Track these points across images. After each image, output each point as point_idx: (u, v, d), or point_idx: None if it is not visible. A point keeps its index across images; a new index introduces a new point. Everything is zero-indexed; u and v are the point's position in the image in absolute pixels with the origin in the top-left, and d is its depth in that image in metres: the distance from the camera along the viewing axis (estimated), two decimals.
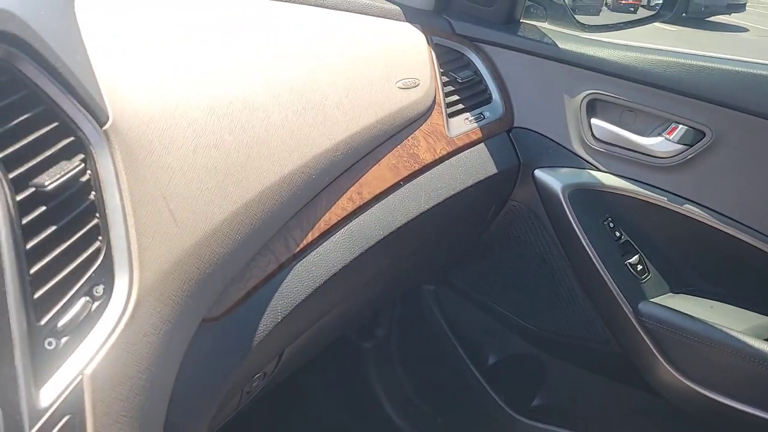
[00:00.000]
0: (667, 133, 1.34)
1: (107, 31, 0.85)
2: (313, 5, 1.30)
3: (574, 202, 1.42)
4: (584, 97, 1.42)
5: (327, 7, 1.32)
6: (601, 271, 1.43)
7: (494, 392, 1.92)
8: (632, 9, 1.55)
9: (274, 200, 0.92)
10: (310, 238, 1.00)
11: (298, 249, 0.97)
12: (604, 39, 1.48)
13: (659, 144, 1.35)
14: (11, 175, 0.60)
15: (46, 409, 0.57)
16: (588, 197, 1.43)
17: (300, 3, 1.28)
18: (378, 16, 1.43)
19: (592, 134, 1.43)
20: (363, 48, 1.27)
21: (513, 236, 1.62)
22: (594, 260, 1.42)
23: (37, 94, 0.66)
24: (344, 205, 1.08)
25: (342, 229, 1.06)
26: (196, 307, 0.77)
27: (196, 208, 0.78)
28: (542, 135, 1.49)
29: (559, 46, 1.45)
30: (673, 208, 1.36)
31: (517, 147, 1.50)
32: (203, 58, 0.95)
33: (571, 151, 1.46)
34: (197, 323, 0.78)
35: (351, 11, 1.38)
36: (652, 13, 1.83)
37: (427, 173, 1.26)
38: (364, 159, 1.14)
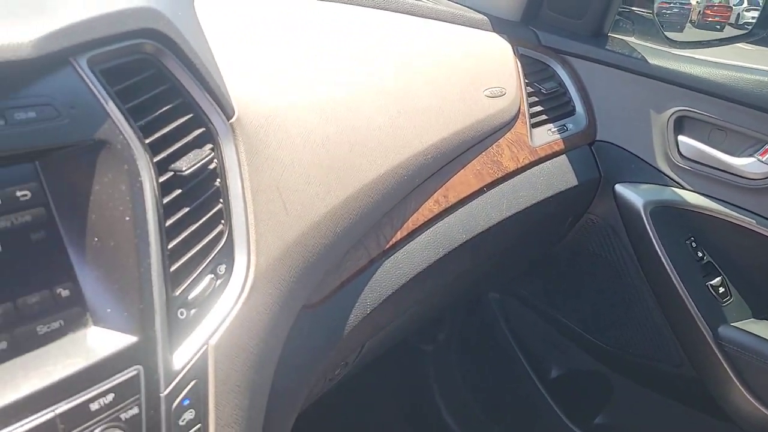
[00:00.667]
0: (760, 154, 1.31)
1: (219, 33, 0.91)
2: (406, 14, 1.35)
3: (655, 219, 1.41)
4: (672, 114, 1.40)
5: (419, 16, 1.36)
6: (681, 291, 1.40)
7: (556, 405, 1.91)
8: (718, 27, 1.51)
9: (370, 198, 0.96)
10: (399, 236, 1.04)
11: (388, 245, 1.01)
12: (694, 55, 1.46)
13: (750, 165, 1.32)
14: (155, 159, 0.66)
15: (178, 372, 0.62)
16: (670, 215, 1.41)
17: (394, 11, 1.33)
18: (466, 26, 1.46)
19: (678, 151, 1.41)
20: (453, 56, 1.30)
21: (587, 250, 1.61)
22: (673, 279, 1.40)
23: (177, 88, 0.72)
24: (431, 206, 1.11)
25: (428, 230, 1.09)
26: (299, 293, 0.82)
27: (304, 200, 0.83)
28: (625, 150, 1.48)
29: (649, 61, 1.44)
30: (761, 231, 1.32)
31: (599, 160, 1.49)
32: (309, 61, 1.01)
33: (654, 168, 1.44)
34: (298, 308, 0.83)
35: (441, 20, 1.42)
36: (743, 32, 1.78)
37: (510, 181, 1.28)
38: (451, 163, 1.17)
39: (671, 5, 1.71)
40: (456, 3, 1.54)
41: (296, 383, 0.85)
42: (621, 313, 1.63)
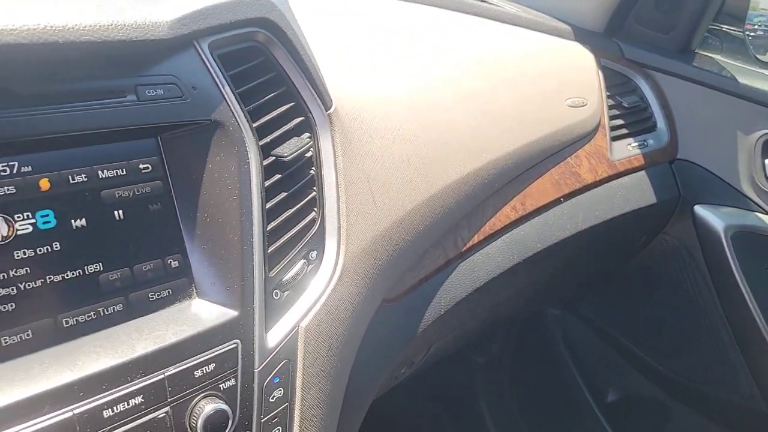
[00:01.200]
0: None
1: (312, 28, 0.94)
2: (491, 19, 1.35)
3: (736, 244, 1.35)
4: (761, 137, 1.35)
5: (503, 22, 1.36)
6: (759, 321, 1.34)
7: (611, 428, 1.85)
8: None
9: (452, 198, 0.96)
10: (476, 239, 1.03)
11: (464, 248, 1.01)
12: None
13: None
14: (261, 143, 0.69)
15: (271, 350, 0.64)
16: (753, 241, 1.35)
17: (479, 15, 1.34)
18: (548, 34, 1.45)
19: (765, 175, 1.36)
20: (536, 64, 1.29)
21: (658, 271, 1.56)
22: (752, 309, 1.34)
23: (282, 77, 0.74)
24: (508, 213, 1.10)
25: (504, 236, 1.09)
26: (381, 287, 0.83)
27: (391, 194, 0.84)
28: (707, 170, 1.43)
29: (738, 80, 1.39)
30: None
31: (679, 179, 1.45)
32: (396, 59, 1.02)
33: (738, 191, 1.39)
34: (379, 302, 0.84)
35: (524, 27, 1.41)
36: None
37: (587, 193, 1.26)
38: (530, 171, 1.16)
39: (762, 25, 1.65)
40: (539, 11, 1.53)
41: (372, 376, 0.86)
42: (689, 339, 1.57)
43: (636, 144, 1.39)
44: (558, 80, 1.29)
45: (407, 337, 0.91)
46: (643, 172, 1.38)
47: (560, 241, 1.17)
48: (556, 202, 1.19)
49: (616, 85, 1.44)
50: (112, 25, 0.53)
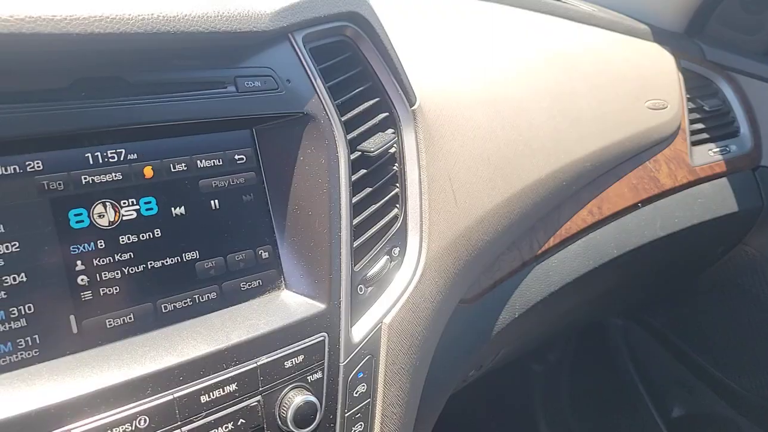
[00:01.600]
0: None
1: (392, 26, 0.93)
2: (565, 18, 1.31)
3: None
4: None
5: (581, 22, 1.33)
6: None
7: None
8: None
9: (529, 200, 0.94)
10: (551, 242, 1.01)
11: (540, 251, 0.99)
12: None
13: None
14: (348, 138, 0.68)
15: (356, 345, 0.64)
16: None
17: (552, 14, 1.31)
18: (625, 34, 1.40)
19: None
20: (615, 64, 1.25)
21: (735, 283, 1.49)
22: None
23: (368, 71, 0.74)
24: (584, 216, 1.07)
25: (580, 240, 1.05)
26: (459, 287, 0.82)
27: (471, 194, 0.83)
28: None
29: None
30: None
31: (762, 187, 1.37)
32: (477, 58, 1.01)
33: None
34: (457, 301, 0.83)
35: (599, 26, 1.37)
36: None
37: (666, 199, 1.21)
38: (607, 174, 1.12)
39: None
40: (616, 11, 1.49)
41: (447, 377, 0.84)
42: (767, 357, 1.49)
43: (717, 149, 1.33)
44: (637, 81, 1.25)
45: (482, 339, 0.90)
46: (724, 179, 1.32)
47: (637, 247, 1.12)
48: (634, 207, 1.15)
49: (697, 87, 1.38)
50: (218, 15, 0.54)
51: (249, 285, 0.60)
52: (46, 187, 0.50)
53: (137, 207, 0.55)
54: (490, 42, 1.06)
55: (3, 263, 0.48)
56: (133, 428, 0.48)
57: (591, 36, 1.31)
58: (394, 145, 0.75)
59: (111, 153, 0.54)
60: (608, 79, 1.19)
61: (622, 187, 1.15)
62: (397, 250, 0.73)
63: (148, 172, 0.56)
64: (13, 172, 0.49)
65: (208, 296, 0.58)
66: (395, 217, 0.74)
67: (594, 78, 1.17)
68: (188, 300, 0.57)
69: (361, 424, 0.64)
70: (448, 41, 0.99)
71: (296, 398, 0.56)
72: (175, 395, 0.50)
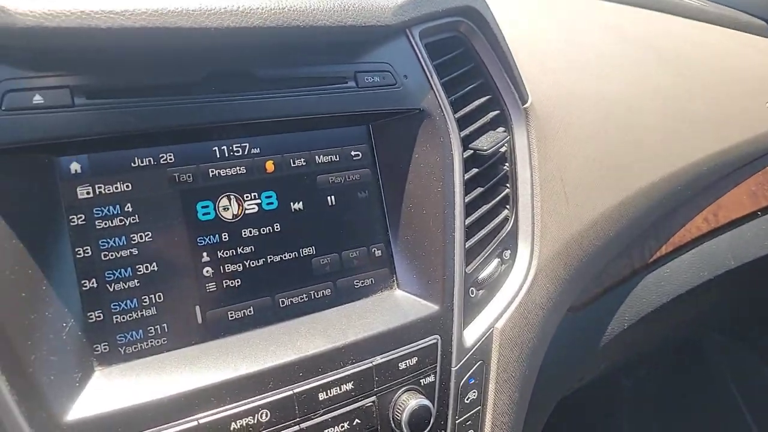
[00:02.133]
0: None
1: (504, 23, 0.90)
2: (679, 16, 1.24)
3: None
4: None
5: (692, 18, 1.25)
6: None
7: None
8: None
9: (642, 204, 0.88)
10: (663, 250, 0.94)
11: (652, 259, 0.93)
12: None
13: None
14: (461, 135, 0.66)
15: (468, 350, 0.61)
16: None
17: (661, 11, 1.23)
18: (739, 30, 1.31)
19: None
20: (732, 63, 1.16)
21: None
22: None
23: (480, 68, 0.72)
24: (699, 224, 1.00)
25: (694, 249, 0.98)
26: (569, 294, 0.78)
27: (584, 196, 0.79)
28: None
29: None
30: None
31: None
32: (586, 55, 0.96)
33: None
34: (565, 309, 0.79)
35: (711, 22, 1.28)
36: None
37: None
38: (725, 179, 1.04)
39: None
40: (730, 7, 1.39)
41: (552, 388, 0.81)
42: None
43: None
44: (755, 81, 1.16)
45: (588, 350, 0.85)
46: None
47: (759, 258, 1.04)
48: (752, 215, 1.06)
49: None
50: (344, 9, 0.53)
51: (362, 283, 0.59)
52: (177, 180, 0.52)
53: (259, 201, 0.55)
54: (600, 39, 1.01)
55: (137, 252, 0.49)
56: (255, 421, 0.48)
57: (703, 33, 1.22)
58: (505, 144, 0.73)
59: (236, 147, 0.54)
60: (724, 79, 1.11)
61: (740, 194, 1.06)
62: (507, 253, 0.70)
63: (270, 166, 0.56)
64: (147, 164, 0.51)
65: (323, 293, 0.57)
66: (505, 219, 0.71)
67: (709, 77, 1.09)
68: (304, 295, 0.56)
69: None
70: (557, 38, 0.95)
71: (411, 401, 0.55)
72: (295, 391, 0.50)
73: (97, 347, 0.47)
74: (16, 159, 0.44)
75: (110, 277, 0.48)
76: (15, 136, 0.43)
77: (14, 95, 0.43)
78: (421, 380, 0.57)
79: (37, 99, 0.44)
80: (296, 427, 0.50)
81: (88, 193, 0.48)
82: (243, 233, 0.54)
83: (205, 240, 0.52)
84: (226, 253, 0.53)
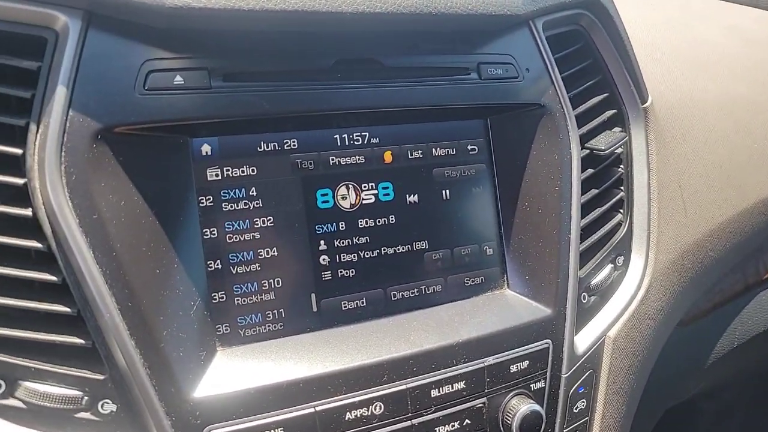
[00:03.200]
0: None
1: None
2: None
3: None
4: None
5: None
6: None
7: None
8: None
9: (762, 216, 0.82)
10: None
11: (767, 275, 0.86)
12: None
13: None
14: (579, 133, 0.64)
15: (579, 357, 0.59)
16: None
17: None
18: None
19: None
20: None
21: None
22: None
23: (599, 64, 0.68)
24: None
25: None
26: (681, 305, 0.73)
27: (702, 204, 0.74)
28: None
29: None
30: None
31: None
32: (707, 55, 0.90)
33: None
34: (676, 322, 0.74)
35: None
36: None
37: None
38: None
39: None
40: None
41: (655, 404, 0.76)
42: None
43: None
44: None
45: (695, 366, 0.80)
46: None
47: None
48: None
49: None
50: None
51: (472, 281, 0.58)
52: (299, 166, 0.52)
53: (375, 192, 0.54)
54: (720, 39, 0.95)
55: (259, 237, 0.50)
56: (369, 413, 0.48)
57: None
58: (622, 145, 0.69)
59: (356, 135, 0.54)
60: None
61: None
62: (621, 259, 0.66)
63: (388, 157, 0.55)
64: (272, 149, 0.51)
65: (434, 288, 0.56)
66: (619, 224, 0.68)
67: None
68: (415, 290, 0.55)
69: None
70: (674, 37, 0.90)
71: (522, 406, 0.53)
72: (408, 385, 0.49)
73: (219, 328, 0.48)
74: (154, 138, 0.46)
75: (234, 259, 0.49)
76: (156, 116, 0.44)
77: (157, 75, 0.44)
78: (531, 385, 0.55)
79: (178, 80, 0.45)
80: (408, 423, 0.49)
81: (216, 175, 0.49)
82: (359, 223, 0.54)
83: (323, 228, 0.52)
84: (343, 243, 0.53)
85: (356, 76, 0.51)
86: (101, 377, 0.43)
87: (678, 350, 0.77)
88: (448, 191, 0.58)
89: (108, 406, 0.43)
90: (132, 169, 0.44)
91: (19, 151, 0.42)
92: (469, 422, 0.51)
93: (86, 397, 0.43)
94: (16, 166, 0.43)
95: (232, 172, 0.49)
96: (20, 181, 0.43)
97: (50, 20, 0.43)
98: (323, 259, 0.52)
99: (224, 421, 0.44)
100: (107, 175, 0.43)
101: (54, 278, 0.43)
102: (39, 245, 0.42)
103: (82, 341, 0.43)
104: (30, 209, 0.42)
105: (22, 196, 0.43)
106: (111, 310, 0.42)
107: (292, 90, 0.49)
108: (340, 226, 0.53)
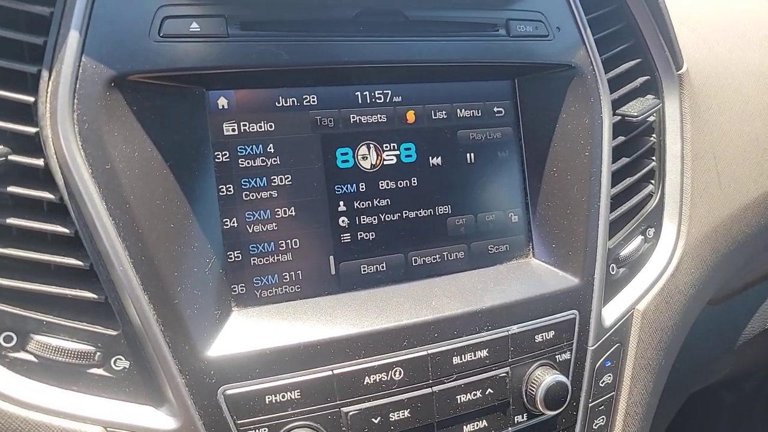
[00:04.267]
0: None
1: None
2: None
3: None
4: None
5: None
6: None
7: None
8: None
9: None
10: None
11: None
12: None
13: None
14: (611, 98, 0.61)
15: (606, 330, 0.57)
16: None
17: None
18: None
19: None
20: None
21: None
22: None
23: (632, 27, 0.65)
24: None
25: None
26: (713, 282, 0.70)
27: (737, 177, 0.71)
28: None
29: None
30: None
31: None
32: (743, 25, 0.86)
33: None
34: (707, 299, 0.72)
35: None
36: None
37: None
38: None
39: None
40: None
41: (683, 383, 0.74)
42: None
43: None
44: None
45: (724, 347, 0.78)
46: None
47: None
48: None
49: None
50: None
51: (496, 249, 0.56)
52: (319, 123, 0.50)
53: (397, 152, 0.52)
54: (760, 9, 0.91)
55: (276, 195, 0.48)
56: (388, 378, 0.46)
57: None
58: (654, 113, 0.66)
59: (378, 93, 0.52)
60: None
61: None
62: (651, 231, 0.64)
63: (411, 116, 0.53)
64: (291, 104, 0.49)
65: (456, 255, 0.54)
66: (650, 195, 0.65)
67: None
68: (437, 256, 0.53)
69: (603, 418, 0.57)
70: (713, 5, 0.86)
71: (546, 377, 0.51)
72: (429, 351, 0.48)
73: (234, 287, 0.47)
74: (170, 88, 0.44)
75: (250, 218, 0.47)
76: (171, 63, 0.43)
77: (172, 22, 0.43)
78: (557, 356, 0.53)
79: (194, 27, 0.43)
80: (428, 390, 0.47)
81: (233, 129, 0.47)
82: (380, 185, 0.52)
83: (342, 188, 0.50)
84: (363, 204, 0.51)
85: (379, 28, 0.49)
86: (114, 333, 0.42)
87: (707, 329, 0.75)
88: (472, 155, 0.55)
89: (121, 363, 0.42)
90: (146, 119, 0.42)
91: (30, 98, 0.41)
92: (491, 391, 0.50)
93: (99, 353, 0.42)
94: (28, 114, 0.42)
95: (249, 127, 0.48)
96: (32, 129, 0.41)
97: None
98: (342, 221, 0.50)
99: (239, 381, 0.43)
100: (121, 125, 0.41)
101: (66, 230, 0.41)
102: (51, 196, 0.41)
103: (94, 295, 0.42)
104: (42, 159, 0.41)
105: (33, 145, 0.42)
106: (124, 263, 0.41)
107: (312, 41, 0.47)
108: (361, 186, 0.51)
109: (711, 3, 0.86)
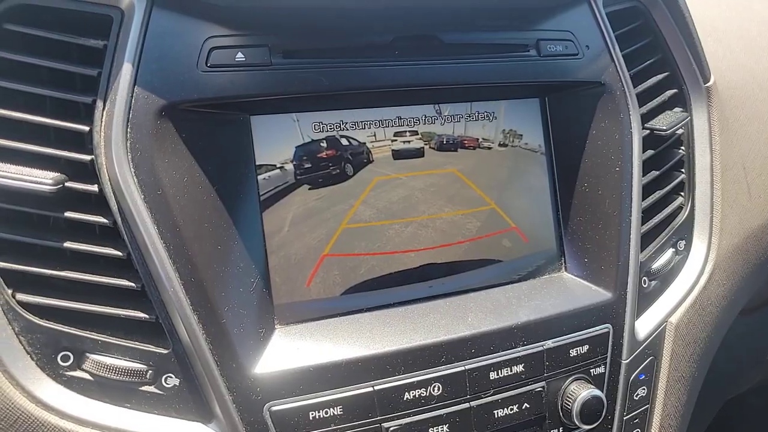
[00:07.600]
0: None
1: None
2: None
3: None
4: None
5: None
6: None
7: None
8: None
9: None
10: None
11: None
12: None
13: None
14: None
15: (639, 343, 0.57)
16: None
17: None
18: None
19: None
20: None
21: None
22: None
23: (659, 42, 0.66)
24: None
25: None
26: (744, 293, 0.70)
27: (767, 188, 0.71)
28: None
29: None
30: None
31: None
32: (767, 34, 0.86)
33: None
34: (739, 310, 0.72)
35: None
36: None
37: None
38: None
39: None
40: None
41: (716, 393, 0.74)
42: None
43: None
44: None
45: (757, 357, 0.77)
46: None
47: None
48: None
49: None
50: None
51: (529, 263, 0.57)
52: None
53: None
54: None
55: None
56: (428, 394, 0.47)
57: None
58: (683, 126, 0.67)
59: (417, 115, 0.53)
60: None
61: None
62: (682, 243, 0.64)
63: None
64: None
65: (490, 270, 0.55)
66: (680, 207, 0.65)
67: None
68: (472, 272, 0.54)
69: (638, 431, 0.57)
70: (734, 16, 0.86)
71: (582, 391, 0.51)
72: (467, 367, 0.49)
73: (277, 306, 0.48)
74: (216, 115, 0.46)
75: None
76: (218, 92, 0.44)
77: (219, 53, 0.45)
78: (591, 370, 0.54)
79: (239, 57, 0.45)
80: (466, 405, 0.48)
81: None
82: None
83: None
84: None
85: (414, 52, 0.50)
86: (165, 351, 0.44)
87: (739, 340, 0.74)
88: (505, 171, 0.56)
89: (171, 380, 0.44)
90: (194, 145, 0.44)
91: (86, 128, 0.43)
92: (528, 406, 0.50)
93: (150, 371, 0.43)
94: (82, 143, 0.44)
95: None
96: (87, 157, 0.43)
97: None
98: None
99: (284, 398, 0.44)
100: (170, 152, 0.43)
101: (119, 253, 0.43)
102: (105, 221, 0.43)
103: (146, 315, 0.43)
104: (96, 185, 0.43)
105: (88, 172, 0.44)
106: (174, 284, 0.42)
107: (351, 67, 0.48)
108: None
109: (738, 14, 0.86)
